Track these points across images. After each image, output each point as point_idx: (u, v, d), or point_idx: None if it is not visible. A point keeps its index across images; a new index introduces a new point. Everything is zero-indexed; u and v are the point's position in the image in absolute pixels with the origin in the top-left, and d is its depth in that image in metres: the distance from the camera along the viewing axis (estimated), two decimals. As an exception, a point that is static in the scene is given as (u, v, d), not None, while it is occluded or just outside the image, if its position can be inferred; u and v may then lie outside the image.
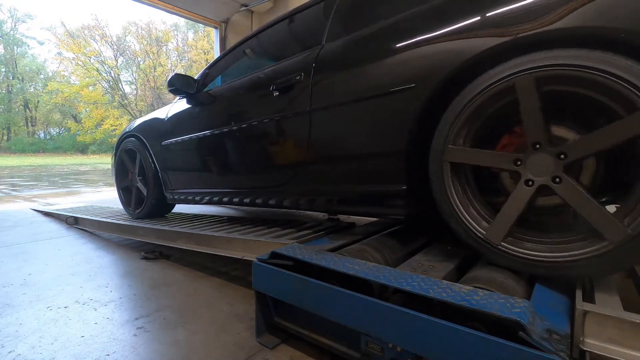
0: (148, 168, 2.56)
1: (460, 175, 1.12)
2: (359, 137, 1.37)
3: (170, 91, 2.18)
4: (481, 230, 1.06)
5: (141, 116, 3.23)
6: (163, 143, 2.41)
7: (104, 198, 5.13)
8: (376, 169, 1.32)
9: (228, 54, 2.23)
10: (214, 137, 2.03)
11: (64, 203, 4.51)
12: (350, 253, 1.31)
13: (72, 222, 3.15)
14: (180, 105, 2.37)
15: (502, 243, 1.02)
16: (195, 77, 2.27)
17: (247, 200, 1.93)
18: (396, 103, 1.22)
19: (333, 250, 1.37)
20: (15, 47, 33.47)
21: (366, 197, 1.40)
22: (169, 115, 2.43)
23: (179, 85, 2.17)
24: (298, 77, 1.55)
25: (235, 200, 2.00)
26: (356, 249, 1.35)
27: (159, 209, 2.71)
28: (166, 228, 2.13)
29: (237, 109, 1.94)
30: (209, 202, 2.22)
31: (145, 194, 2.64)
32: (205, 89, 2.25)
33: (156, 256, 2.23)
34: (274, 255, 1.28)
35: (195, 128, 2.18)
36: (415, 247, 1.49)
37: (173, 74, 2.15)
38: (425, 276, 1.02)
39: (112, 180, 3.11)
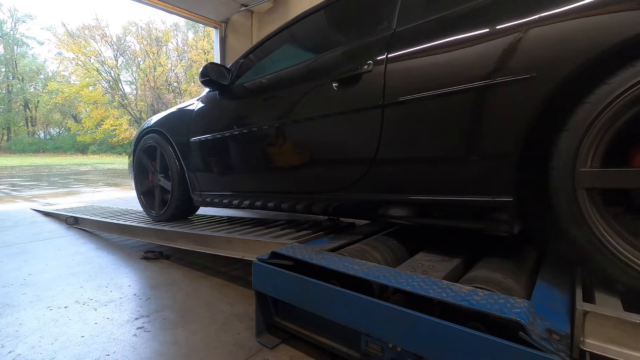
0: (172, 167, 2.33)
1: (602, 199, 0.89)
2: (452, 136, 1.13)
3: (203, 82, 1.97)
4: None
5: (148, 116, 3.20)
6: (192, 140, 2.17)
7: (104, 198, 5.13)
8: (472, 175, 1.11)
9: (266, 42, 1.98)
10: (257, 134, 1.81)
11: (64, 203, 4.51)
12: (350, 253, 1.31)
13: (72, 222, 3.15)
14: (210, 98, 2.15)
15: None
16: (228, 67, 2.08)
17: (299, 206, 1.72)
18: (508, 95, 0.99)
19: (333, 250, 1.37)
20: (15, 47, 33.48)
21: (457, 209, 1.17)
22: (198, 109, 2.19)
23: (215, 75, 1.95)
24: (366, 67, 1.33)
25: (284, 206, 1.80)
26: (356, 249, 1.35)
27: (184, 211, 2.48)
28: (166, 228, 2.13)
29: (285, 103, 1.71)
30: (248, 207, 2.01)
31: (169, 194, 2.42)
32: (238, 81, 2.02)
33: (156, 256, 2.23)
34: (274, 255, 1.28)
35: (231, 124, 1.94)
36: (415, 247, 1.49)
37: (207, 63, 1.95)
38: (425, 276, 1.02)
39: (131, 182, 2.90)
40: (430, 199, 1.22)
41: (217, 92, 2.09)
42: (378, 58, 1.31)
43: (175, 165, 2.33)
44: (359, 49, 1.43)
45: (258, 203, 1.93)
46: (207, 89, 2.19)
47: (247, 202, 1.99)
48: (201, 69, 1.96)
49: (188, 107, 2.31)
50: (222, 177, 2.09)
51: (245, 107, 1.95)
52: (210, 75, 1.93)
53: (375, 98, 1.30)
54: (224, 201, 2.11)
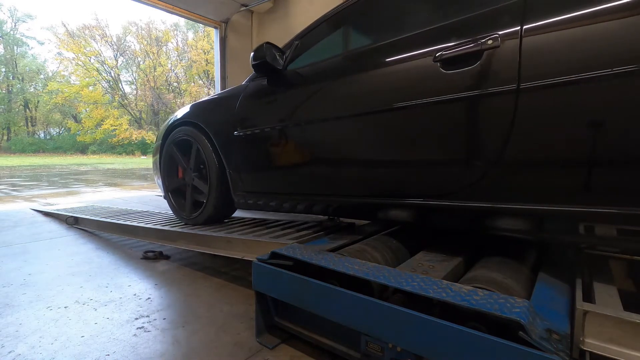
0: (210, 164, 2.07)
1: None
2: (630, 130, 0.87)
3: (256, 66, 1.70)
4: None
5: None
6: (235, 133, 1.90)
7: (104, 198, 5.14)
8: None
9: (332, 18, 1.70)
10: (326, 127, 1.54)
11: (64, 203, 4.51)
12: (350, 253, 1.31)
13: (72, 222, 3.15)
14: (259, 85, 1.87)
15: None
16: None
17: (383, 214, 1.45)
18: None
19: (333, 250, 1.37)
20: (15, 47, 33.50)
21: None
22: (244, 98, 1.92)
23: (271, 58, 1.67)
24: (490, 42, 1.07)
25: (364, 211, 1.56)
26: (356, 249, 1.35)
27: (222, 213, 2.21)
28: (167, 228, 2.13)
29: (368, 89, 1.41)
30: (305, 211, 1.76)
31: (204, 195, 2.16)
32: (291, 65, 1.77)
33: (156, 256, 2.23)
34: (274, 255, 1.28)
35: (292, 114, 1.68)
36: (415, 247, 1.49)
37: (263, 42, 1.67)
38: (425, 276, 1.02)
39: (156, 180, 2.66)
40: (590, 211, 0.94)
41: (265, 78, 1.82)
42: (508, 30, 1.04)
43: (214, 162, 2.06)
44: (477, 20, 1.15)
45: (319, 207, 1.68)
46: (248, 77, 1.97)
47: (305, 205, 1.73)
48: (255, 49, 1.68)
49: (230, 96, 2.03)
50: (274, 177, 1.83)
51: (309, 95, 1.64)
52: (267, 57, 1.65)
53: (505, 81, 1.03)
54: (273, 203, 1.86)
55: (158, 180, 2.61)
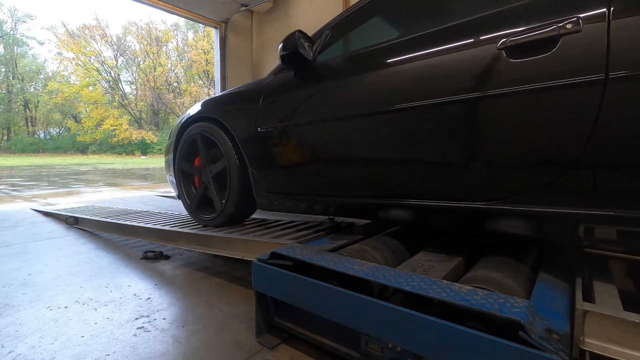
0: (231, 162, 1.94)
1: None
2: None
3: (285, 57, 1.57)
4: None
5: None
6: (259, 130, 1.77)
7: (104, 198, 5.13)
8: None
9: (368, 4, 1.57)
10: (364, 122, 1.41)
11: (64, 203, 4.51)
12: (350, 253, 1.31)
13: (72, 222, 3.15)
14: (286, 78, 1.73)
15: None
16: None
17: (435, 218, 1.33)
18: None
19: (333, 250, 1.37)
20: (15, 47, 33.51)
21: None
22: (268, 92, 1.78)
23: (303, 48, 1.55)
24: (569, 26, 0.96)
25: (401, 213, 1.41)
26: (356, 249, 1.35)
27: (241, 214, 2.09)
28: (167, 228, 2.13)
29: (415, 82, 1.27)
30: (336, 213, 1.65)
31: (223, 194, 2.03)
32: (320, 56, 1.64)
33: (156, 256, 2.23)
34: (274, 255, 1.28)
35: (324, 108, 1.55)
36: (415, 247, 1.49)
37: (295, 30, 1.54)
38: (425, 276, 1.02)
39: (168, 178, 2.55)
40: None
41: (291, 71, 1.69)
42: (592, 13, 0.94)
43: (234, 160, 1.93)
44: (550, 1, 1.05)
45: (353, 209, 1.57)
46: (272, 70, 1.85)
47: (337, 208, 1.61)
48: (285, 39, 1.55)
49: (252, 90, 1.90)
50: (306, 176, 1.67)
51: (347, 88, 1.50)
52: (299, 47, 1.52)
53: (589, 70, 0.92)
54: (300, 205, 1.74)
55: (171, 178, 2.47)
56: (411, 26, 1.47)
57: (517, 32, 1.04)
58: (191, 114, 2.24)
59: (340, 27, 1.64)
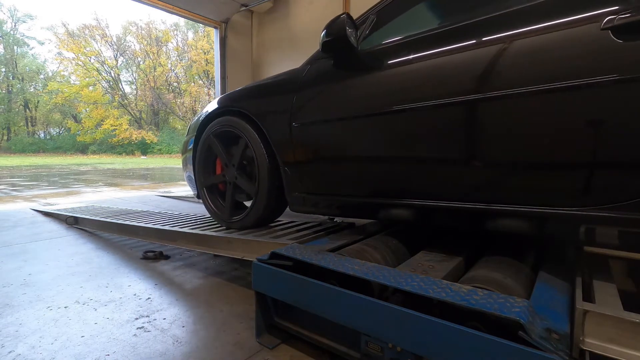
0: (260, 159, 1.80)
1: None
2: None
3: (328, 43, 1.42)
4: None
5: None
6: (295, 124, 1.63)
7: (104, 198, 5.13)
8: None
9: None
10: (427, 114, 1.23)
11: (64, 203, 4.51)
12: (349, 253, 1.31)
13: (72, 222, 3.15)
14: (324, 67, 1.58)
15: None
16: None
17: (507, 222, 1.13)
18: None
19: (333, 250, 1.37)
20: (15, 47, 33.51)
21: None
22: (306, 81, 1.63)
23: (353, 33, 1.40)
24: None
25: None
26: (356, 249, 1.35)
27: (270, 216, 1.96)
28: (167, 228, 2.13)
29: (489, 68, 1.10)
30: (387, 217, 1.45)
31: (253, 195, 1.87)
32: (363, 43, 1.49)
33: (156, 256, 2.23)
34: (274, 255, 1.28)
35: (375, 101, 1.37)
36: (415, 247, 1.49)
37: (342, 14, 1.38)
38: (425, 276, 1.02)
39: (186, 176, 2.42)
40: None
41: (331, 59, 1.54)
42: None
43: (264, 157, 1.79)
44: None
45: (413, 214, 1.36)
46: (308, 59, 1.69)
47: (392, 211, 1.41)
48: (330, 23, 1.41)
49: (285, 81, 1.76)
50: (349, 175, 1.53)
51: (403, 77, 1.33)
52: (347, 32, 1.36)
53: None
54: (344, 207, 1.58)
55: (189, 175, 2.33)
56: (473, 8, 1.29)
57: (630, 8, 0.88)
58: (217, 105, 2.08)
59: (388, 10, 1.48)
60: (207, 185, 2.17)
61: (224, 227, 2.05)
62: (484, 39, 1.14)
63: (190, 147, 2.27)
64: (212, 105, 2.13)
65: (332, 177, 1.60)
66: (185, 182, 2.57)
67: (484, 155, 1.15)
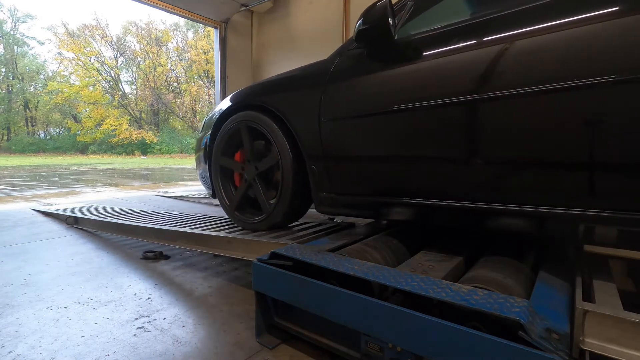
0: (284, 156, 1.69)
1: None
2: None
3: (364, 32, 1.33)
4: None
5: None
6: (325, 119, 1.52)
7: (104, 198, 5.13)
8: None
9: None
10: (485, 107, 1.10)
11: (64, 203, 4.51)
12: (349, 253, 1.31)
13: (72, 222, 3.15)
14: (357, 57, 1.48)
15: None
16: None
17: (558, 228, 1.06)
18: None
19: (333, 250, 1.37)
20: (15, 47, 33.52)
21: None
22: (337, 73, 1.51)
23: (392, 20, 1.28)
24: None
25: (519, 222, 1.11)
26: (356, 249, 1.35)
27: (293, 216, 1.86)
28: (167, 228, 2.13)
29: (561, 56, 0.96)
30: (429, 219, 1.35)
31: (277, 194, 1.77)
32: (399, 33, 1.38)
33: (156, 256, 2.23)
34: (274, 255, 1.28)
35: (417, 94, 1.25)
36: (415, 247, 1.49)
37: (382, 1, 1.28)
38: (425, 276, 1.02)
39: (199, 174, 2.33)
40: None
41: (364, 50, 1.45)
42: None
43: (288, 154, 1.69)
44: None
45: (455, 216, 1.24)
46: (337, 50, 1.60)
47: (434, 213, 1.30)
48: (368, 9, 1.31)
49: (313, 73, 1.65)
50: (385, 175, 1.41)
51: (450, 67, 1.19)
52: (389, 19, 1.26)
53: None
54: (378, 208, 1.46)
55: (203, 172, 2.23)
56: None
57: None
58: (243, 96, 1.97)
59: None
60: (225, 190, 2.06)
61: (235, 228, 2.00)
62: (544, 25, 1.01)
63: (203, 145, 2.19)
64: (252, 88, 1.99)
65: (367, 175, 1.47)
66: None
67: (561, 152, 1.00)
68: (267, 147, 1.83)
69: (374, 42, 1.38)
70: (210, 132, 2.11)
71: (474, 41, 1.16)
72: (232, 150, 2.04)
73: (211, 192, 2.17)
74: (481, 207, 1.15)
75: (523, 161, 1.07)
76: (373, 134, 1.40)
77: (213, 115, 2.17)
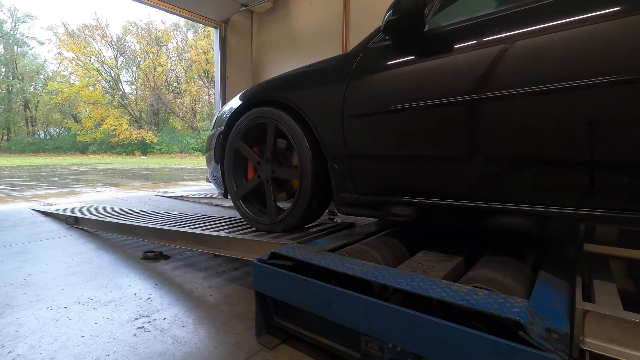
0: (303, 154, 1.62)
1: None
2: None
3: (393, 22, 1.24)
4: None
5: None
6: (349, 115, 1.44)
7: (104, 198, 5.13)
8: None
9: None
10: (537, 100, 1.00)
11: (64, 203, 4.51)
12: (349, 253, 1.31)
13: (72, 222, 3.15)
14: (383, 51, 1.40)
15: None
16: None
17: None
18: None
19: (333, 250, 1.37)
20: (15, 47, 33.52)
21: None
22: (362, 66, 1.44)
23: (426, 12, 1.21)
24: None
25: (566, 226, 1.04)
26: (356, 249, 1.35)
27: (311, 217, 1.78)
28: (167, 227, 2.13)
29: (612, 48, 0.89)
30: (463, 222, 1.26)
31: (293, 193, 1.71)
32: (430, 24, 1.29)
33: (156, 256, 2.23)
34: (274, 255, 1.28)
35: (455, 87, 1.15)
36: (415, 247, 1.49)
37: None
38: (425, 276, 1.02)
39: (210, 172, 2.26)
40: None
41: (390, 42, 1.37)
42: None
43: (307, 151, 1.61)
44: None
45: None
46: (360, 43, 1.52)
47: (470, 215, 1.19)
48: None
49: (336, 67, 1.58)
50: (417, 174, 1.32)
51: (487, 61, 1.10)
52: (426, 7, 1.19)
53: None
54: (406, 210, 1.37)
55: (215, 174, 2.16)
56: None
57: None
58: (258, 90, 1.91)
59: None
60: (239, 190, 1.97)
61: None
62: (592, 14, 0.93)
63: (214, 145, 2.14)
64: (268, 83, 1.92)
65: (396, 175, 1.38)
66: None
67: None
68: (288, 148, 1.78)
69: (404, 34, 1.30)
70: (222, 129, 2.04)
71: (516, 32, 1.06)
72: (249, 143, 1.93)
73: (223, 191, 2.09)
74: (542, 210, 1.04)
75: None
76: (404, 130, 1.32)
77: (223, 114, 2.12)
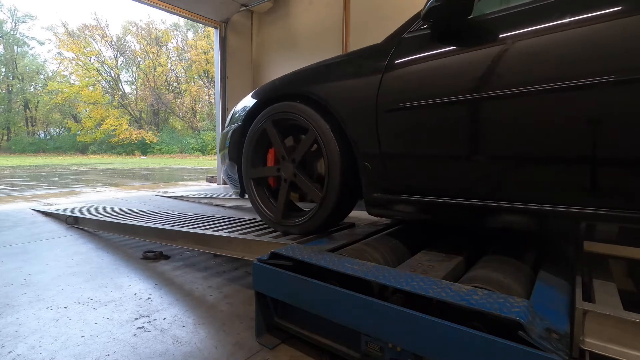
0: (331, 151, 1.52)
1: None
2: None
3: (437, 9, 1.17)
4: None
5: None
6: (385, 109, 1.33)
7: (104, 198, 5.13)
8: None
9: None
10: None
11: (64, 203, 4.51)
12: (349, 253, 1.31)
13: (72, 222, 3.15)
14: (421, 41, 1.30)
15: None
16: None
17: None
18: None
19: (333, 250, 1.37)
20: (15, 47, 33.53)
21: None
22: (398, 57, 1.33)
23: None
24: None
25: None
26: (356, 249, 1.35)
27: (336, 219, 1.70)
28: (167, 227, 2.14)
29: None
30: (507, 225, 1.13)
31: (322, 194, 1.56)
32: (475, 13, 1.19)
33: (156, 256, 2.23)
34: (274, 255, 1.28)
35: (508, 80, 1.06)
36: (415, 247, 1.49)
37: None
38: (425, 276, 1.02)
39: (224, 171, 2.21)
40: None
41: (432, 31, 1.27)
42: None
43: (335, 148, 1.51)
44: None
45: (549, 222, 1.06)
46: (392, 34, 1.42)
47: (516, 219, 1.10)
48: None
49: (368, 59, 1.46)
50: (461, 173, 1.20)
51: (541, 51, 1.01)
52: None
53: None
54: (441, 212, 1.28)
55: (230, 173, 2.09)
56: None
57: None
58: (282, 83, 1.80)
59: None
60: (257, 189, 1.87)
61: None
62: None
63: (228, 144, 2.06)
64: (291, 75, 1.81)
65: (437, 174, 1.28)
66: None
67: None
68: (318, 142, 1.67)
69: (447, 22, 1.22)
70: (237, 125, 1.97)
71: (570, 19, 0.98)
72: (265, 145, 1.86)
73: (238, 190, 2.00)
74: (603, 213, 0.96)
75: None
76: (450, 126, 1.20)
77: (235, 113, 2.08)
